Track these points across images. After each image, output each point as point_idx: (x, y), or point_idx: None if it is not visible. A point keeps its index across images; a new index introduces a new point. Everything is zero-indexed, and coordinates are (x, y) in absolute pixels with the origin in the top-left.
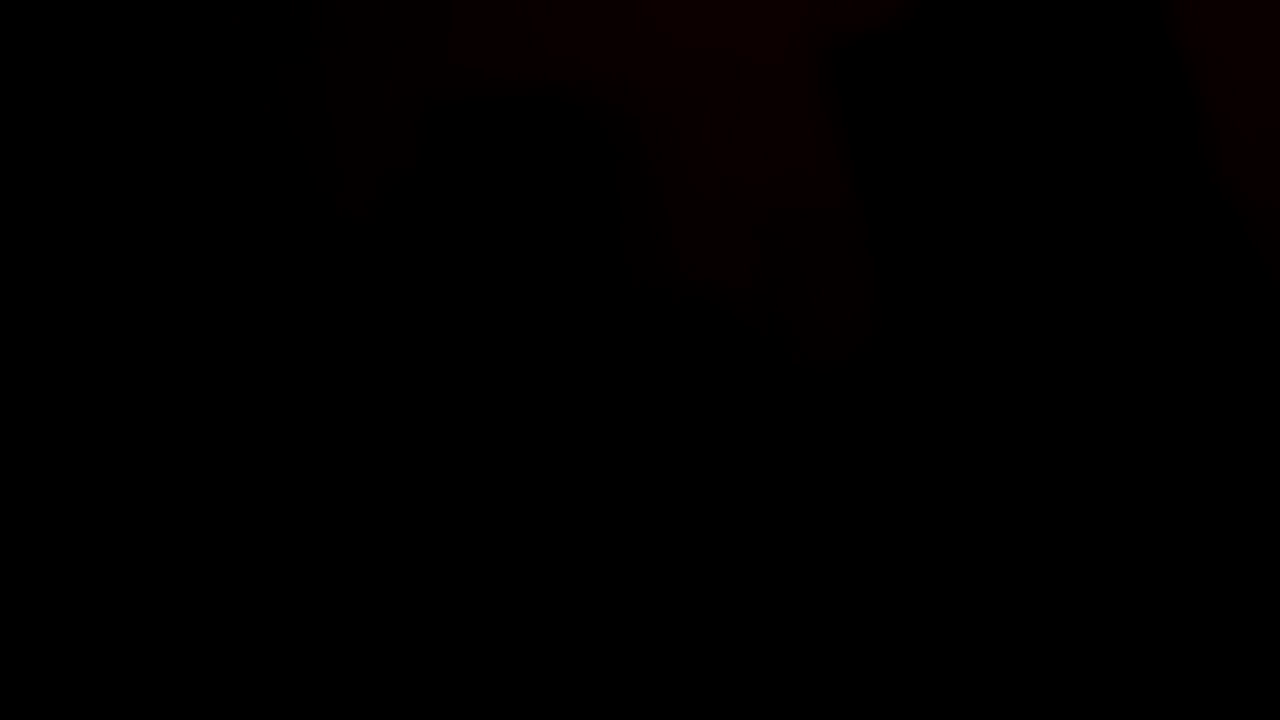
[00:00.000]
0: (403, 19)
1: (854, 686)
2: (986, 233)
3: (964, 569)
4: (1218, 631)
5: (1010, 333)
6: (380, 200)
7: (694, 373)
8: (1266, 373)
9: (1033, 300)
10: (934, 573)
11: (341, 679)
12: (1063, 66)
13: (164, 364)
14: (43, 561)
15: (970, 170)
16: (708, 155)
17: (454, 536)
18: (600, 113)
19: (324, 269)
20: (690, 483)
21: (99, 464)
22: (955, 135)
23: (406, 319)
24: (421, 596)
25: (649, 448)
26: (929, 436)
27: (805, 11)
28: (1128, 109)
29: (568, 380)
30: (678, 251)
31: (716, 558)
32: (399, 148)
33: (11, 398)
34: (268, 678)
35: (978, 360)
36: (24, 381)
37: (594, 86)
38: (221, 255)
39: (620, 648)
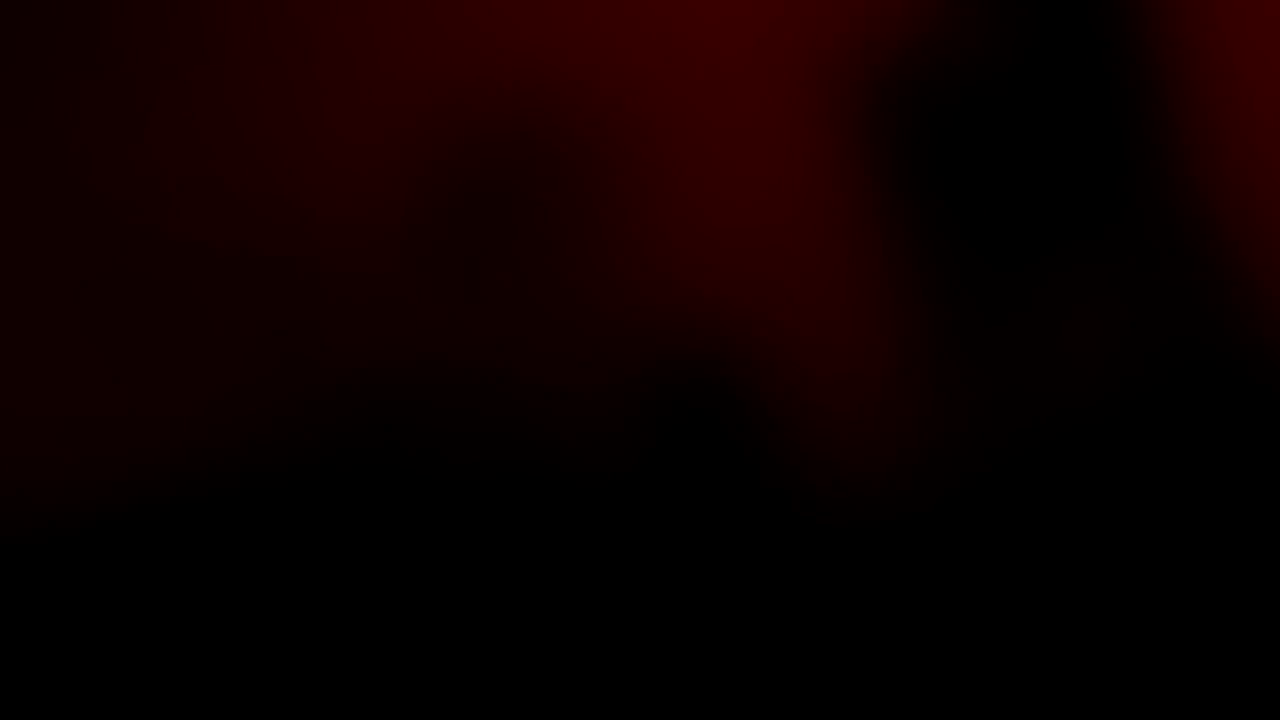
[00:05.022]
0: (392, 32)
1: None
2: (982, 239)
3: (967, 572)
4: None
5: (1009, 335)
6: (377, 200)
7: (686, 384)
8: (1259, 374)
9: (1032, 306)
10: (938, 576)
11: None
12: (1057, 70)
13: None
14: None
15: (965, 178)
16: (700, 163)
17: (451, 540)
18: (593, 117)
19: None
20: (679, 496)
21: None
22: (951, 141)
23: (406, 320)
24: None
25: (636, 466)
26: (926, 444)
27: (801, 18)
28: (1125, 119)
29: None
30: (669, 259)
31: (708, 568)
32: (395, 147)
33: None
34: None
35: (975, 362)
36: None
37: (588, 90)
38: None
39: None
